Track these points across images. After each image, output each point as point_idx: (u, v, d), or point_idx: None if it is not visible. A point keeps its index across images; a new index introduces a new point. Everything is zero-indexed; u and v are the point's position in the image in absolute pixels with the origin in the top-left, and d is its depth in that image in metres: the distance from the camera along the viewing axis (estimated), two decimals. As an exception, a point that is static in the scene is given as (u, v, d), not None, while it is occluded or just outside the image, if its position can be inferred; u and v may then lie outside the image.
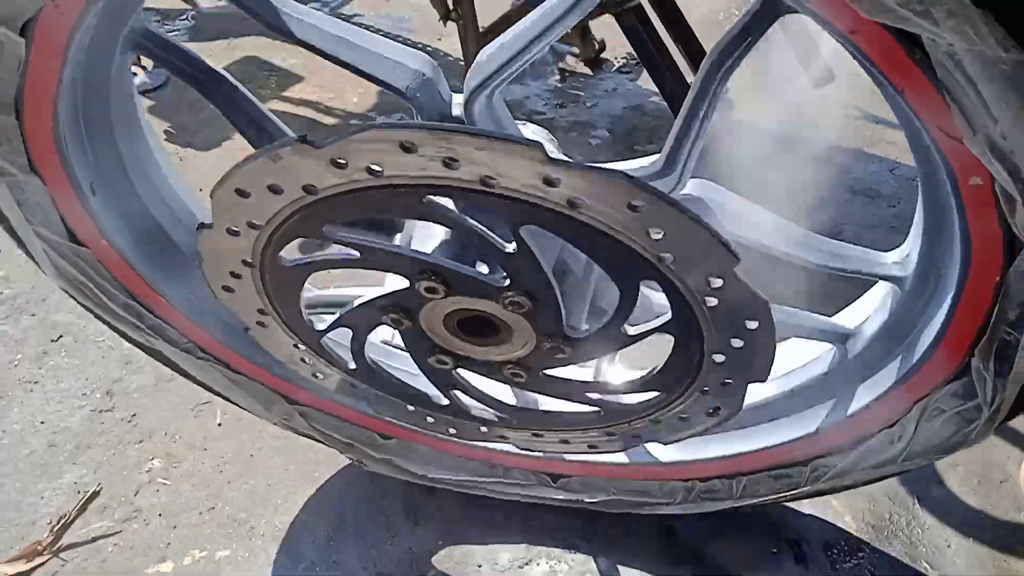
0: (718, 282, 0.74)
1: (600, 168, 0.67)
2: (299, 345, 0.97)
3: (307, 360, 1.00)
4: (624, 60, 2.41)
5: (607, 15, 1.75)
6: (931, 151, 0.69)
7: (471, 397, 1.00)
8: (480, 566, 1.29)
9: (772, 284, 0.98)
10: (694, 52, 1.74)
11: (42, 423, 1.49)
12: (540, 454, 1.20)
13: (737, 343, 0.81)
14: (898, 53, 0.60)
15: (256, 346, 1.09)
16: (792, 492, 1.09)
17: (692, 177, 0.86)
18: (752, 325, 0.79)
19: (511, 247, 0.76)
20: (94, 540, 1.32)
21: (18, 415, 1.50)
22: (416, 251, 0.80)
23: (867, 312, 0.96)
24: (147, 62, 2.31)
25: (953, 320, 0.83)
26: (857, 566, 1.28)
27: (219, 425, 1.48)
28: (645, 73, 2.15)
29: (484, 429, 1.06)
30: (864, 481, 1.05)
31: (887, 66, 0.61)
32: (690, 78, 1.70)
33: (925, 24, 0.56)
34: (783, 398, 1.05)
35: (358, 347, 0.95)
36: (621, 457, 1.17)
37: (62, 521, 1.33)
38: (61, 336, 1.64)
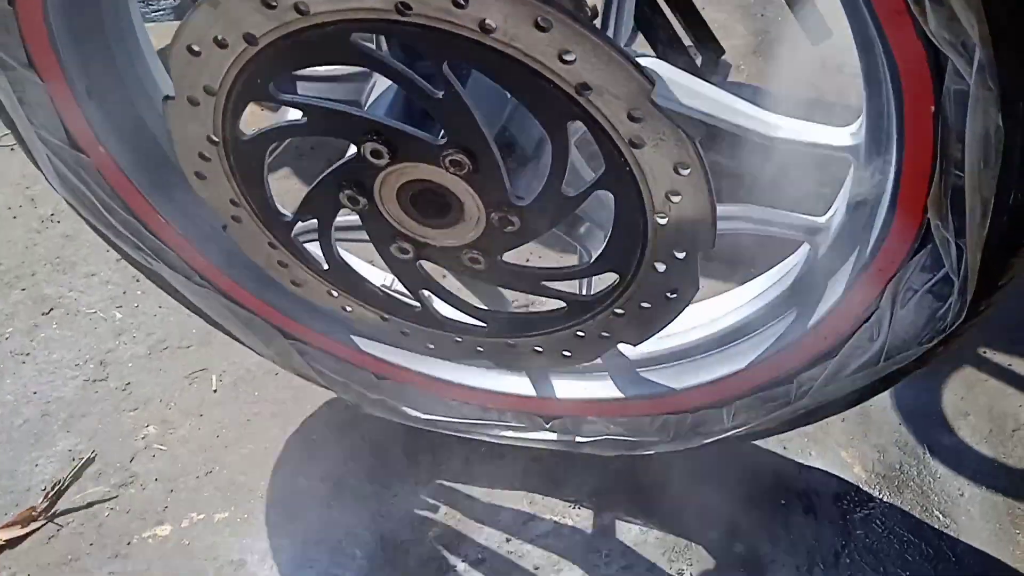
0: (638, 114, 0.74)
1: (500, -21, 0.69)
2: (274, 244, 1.01)
3: (285, 263, 1.03)
4: None
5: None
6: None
7: (440, 298, 1.01)
8: (483, 523, 1.27)
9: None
10: (685, 8, 1.67)
11: (35, 394, 1.52)
12: (528, 391, 1.19)
13: (675, 197, 0.80)
14: None
15: (251, 273, 1.14)
16: (782, 414, 1.04)
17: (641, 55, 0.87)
18: (685, 172, 0.78)
19: (440, 93, 0.78)
20: (90, 505, 1.34)
21: (11, 386, 1.53)
22: (356, 109, 0.83)
23: (838, 202, 0.93)
24: None
25: (903, 174, 0.80)
26: (868, 516, 1.21)
27: (215, 392, 1.49)
28: (638, 40, 2.15)
29: (459, 340, 1.06)
30: (852, 395, 0.99)
31: None
32: (685, 40, 1.68)
33: None
34: (761, 313, 1.02)
35: (326, 240, 0.98)
36: (610, 392, 1.15)
37: (56, 487, 1.35)
38: (52, 309, 1.66)
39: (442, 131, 0.81)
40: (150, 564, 1.26)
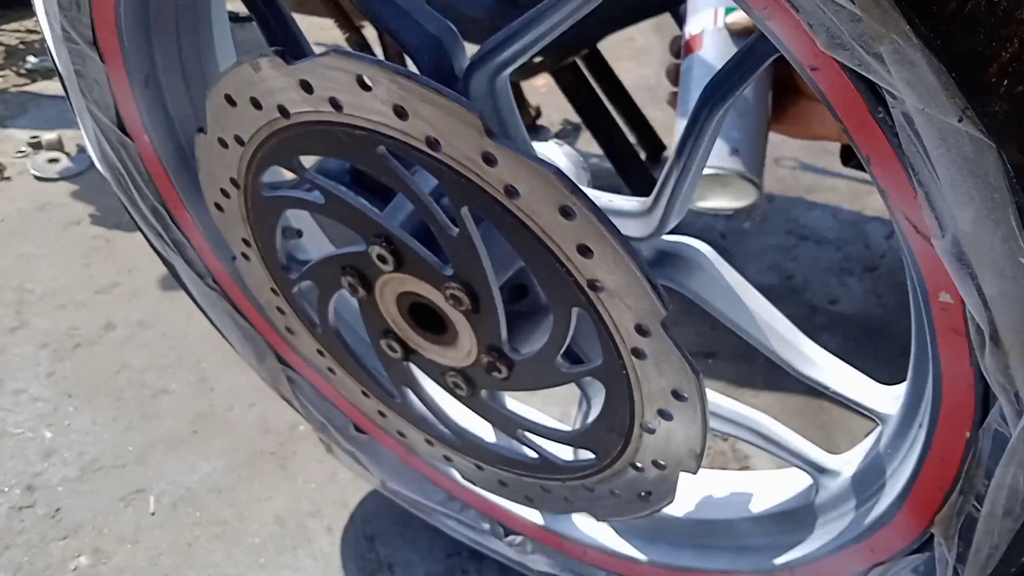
0: (647, 329, 0.67)
1: (535, 157, 0.63)
2: (275, 291, 0.97)
3: (283, 310, 0.99)
4: (561, 126, 2.35)
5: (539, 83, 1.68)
6: (903, 251, 0.60)
7: (420, 400, 0.96)
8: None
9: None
10: (627, 107, 1.86)
11: (-47, 527, 1.37)
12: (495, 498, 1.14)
13: (667, 419, 0.73)
14: (860, 106, 0.52)
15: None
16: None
17: (688, 237, 0.79)
18: (682, 399, 0.71)
19: (456, 231, 0.72)
20: None
21: (-73, 518, 1.39)
22: (373, 211, 0.77)
23: (856, 454, 0.84)
24: (71, 148, 2.34)
25: (919, 478, 0.71)
26: None
27: (152, 514, 1.38)
28: (583, 136, 2.24)
29: (430, 442, 1.01)
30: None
31: (851, 123, 0.53)
32: (629, 136, 1.82)
33: (880, 70, 0.48)
34: (746, 524, 0.94)
35: (323, 307, 0.93)
36: (573, 532, 1.08)
37: None
38: (-25, 431, 1.55)
39: (451, 264, 0.76)
40: None
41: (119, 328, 1.75)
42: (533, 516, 1.11)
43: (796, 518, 0.89)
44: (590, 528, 1.08)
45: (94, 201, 2.16)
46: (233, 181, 0.86)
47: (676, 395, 0.71)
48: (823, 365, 0.79)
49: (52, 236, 2.05)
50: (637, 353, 0.70)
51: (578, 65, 1.58)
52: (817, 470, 0.86)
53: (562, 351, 0.76)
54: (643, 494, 0.84)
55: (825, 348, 0.81)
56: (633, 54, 2.56)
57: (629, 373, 0.72)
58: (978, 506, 0.66)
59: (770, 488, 0.94)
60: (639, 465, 0.81)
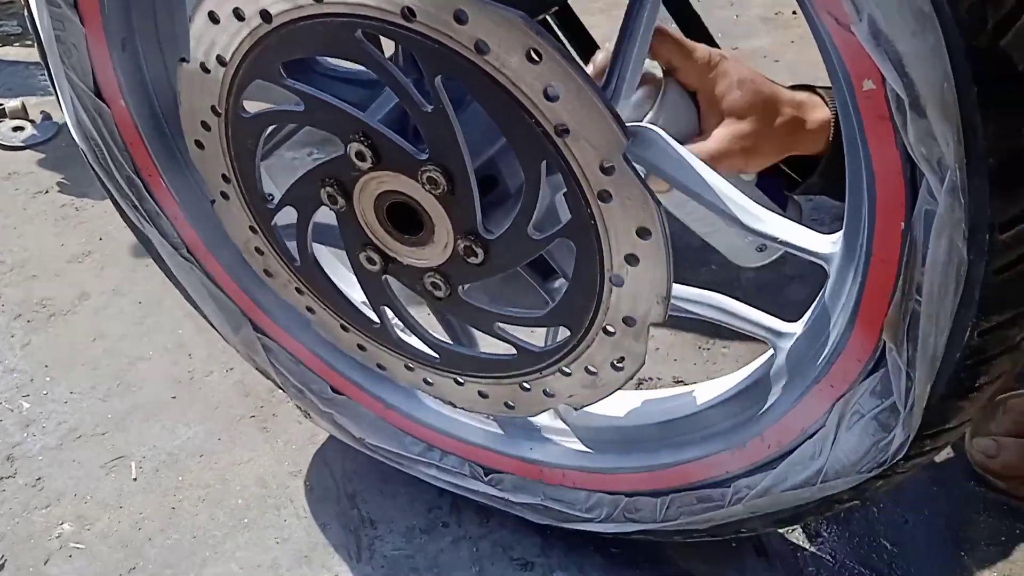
0: (610, 167, 0.74)
1: (503, 5, 0.71)
2: (255, 228, 1.02)
3: (261, 250, 1.04)
4: None
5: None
6: (829, 55, 0.69)
7: (399, 318, 1.00)
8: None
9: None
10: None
11: (-66, 499, 1.37)
12: (475, 439, 1.18)
13: (634, 263, 0.80)
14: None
15: (236, 258, 1.16)
16: (714, 516, 1.01)
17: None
18: (646, 238, 0.78)
19: (431, 108, 0.79)
20: None
21: (-92, 491, 1.38)
22: (350, 107, 0.84)
23: (808, 314, 0.92)
24: (35, 115, 2.32)
25: (866, 290, 0.79)
26: (819, 551, 1.22)
27: (134, 480, 1.39)
28: None
29: (410, 366, 1.05)
30: (783, 513, 0.96)
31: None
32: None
33: None
34: (714, 408, 1.00)
35: (302, 234, 0.99)
36: (553, 458, 1.12)
37: None
38: (-49, 407, 1.54)
39: (426, 147, 0.82)
40: None
41: (93, 297, 1.76)
42: (510, 450, 1.16)
43: (758, 389, 0.96)
44: (566, 452, 1.13)
45: (61, 169, 2.16)
46: (214, 110, 0.92)
47: (641, 233, 0.77)
48: (768, 220, 0.86)
49: (20, 205, 2.05)
50: (603, 197, 0.77)
51: (548, 22, 1.63)
52: (774, 335, 0.93)
53: (533, 219, 0.82)
54: (617, 362, 0.89)
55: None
56: (605, 7, 2.58)
57: (597, 222, 0.79)
58: (920, 298, 0.73)
59: (729, 377, 1.01)
60: (611, 329, 0.86)
